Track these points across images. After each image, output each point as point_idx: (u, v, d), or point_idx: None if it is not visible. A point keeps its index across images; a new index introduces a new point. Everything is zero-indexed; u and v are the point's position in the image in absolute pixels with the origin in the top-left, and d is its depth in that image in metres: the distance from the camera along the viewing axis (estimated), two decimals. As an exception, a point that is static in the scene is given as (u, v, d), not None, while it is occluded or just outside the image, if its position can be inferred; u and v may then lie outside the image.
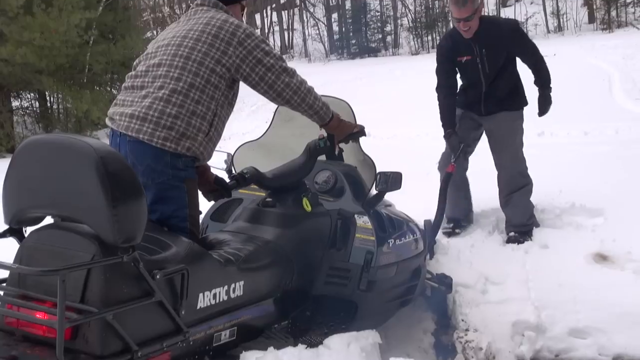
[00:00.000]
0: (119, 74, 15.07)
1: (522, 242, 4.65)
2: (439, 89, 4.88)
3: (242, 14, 3.22)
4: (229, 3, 3.08)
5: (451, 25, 5.44)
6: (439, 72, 4.90)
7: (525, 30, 22.42)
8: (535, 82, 4.97)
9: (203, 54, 2.81)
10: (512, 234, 4.79)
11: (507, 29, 4.92)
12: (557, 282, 4.00)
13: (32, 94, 16.06)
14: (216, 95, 2.83)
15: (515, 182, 4.86)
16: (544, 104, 4.99)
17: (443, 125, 4.83)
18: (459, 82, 4.98)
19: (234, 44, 2.84)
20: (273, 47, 3.08)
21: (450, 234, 4.95)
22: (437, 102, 4.89)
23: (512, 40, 4.83)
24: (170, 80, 2.77)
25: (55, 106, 15.83)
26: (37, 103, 16.30)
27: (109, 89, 15.89)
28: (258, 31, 31.82)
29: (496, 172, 4.94)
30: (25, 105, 16.53)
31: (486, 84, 4.82)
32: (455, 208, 5.06)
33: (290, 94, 2.97)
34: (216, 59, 2.82)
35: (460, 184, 5.02)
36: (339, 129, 3.32)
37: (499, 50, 4.77)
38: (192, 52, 2.81)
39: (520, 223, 4.81)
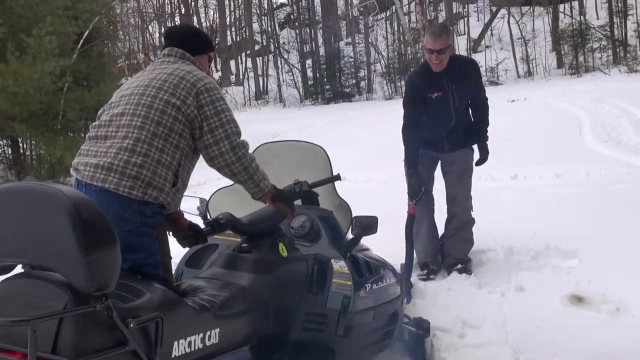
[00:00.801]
0: (93, 119, 14.99)
1: (470, 273, 4.85)
2: (407, 127, 4.90)
3: (209, 65, 3.27)
4: (196, 54, 3.13)
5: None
6: (409, 108, 4.93)
7: (496, 75, 22.90)
8: (475, 127, 5.10)
9: (165, 102, 2.82)
10: (459, 266, 4.96)
11: (471, 66, 5.12)
12: (535, 325, 4.00)
13: (4, 141, 15.90)
14: (181, 144, 2.83)
15: (465, 217, 5.02)
16: (484, 153, 5.10)
17: (407, 165, 4.91)
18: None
19: (193, 93, 2.86)
20: (234, 104, 3.09)
21: (425, 279, 4.97)
22: (403, 141, 4.93)
23: (475, 76, 5.03)
24: (134, 129, 2.77)
25: (28, 152, 15.68)
26: (9, 150, 16.14)
27: (83, 135, 15.80)
28: (233, 77, 32.14)
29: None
30: (-3, 152, 16.36)
31: (455, 120, 4.92)
32: (423, 253, 5.13)
33: (237, 154, 2.92)
34: (177, 107, 2.82)
35: (429, 227, 5.09)
36: (273, 202, 3.24)
37: (467, 85, 4.92)
38: (155, 100, 2.82)
39: (464, 257, 5.02)
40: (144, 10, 36.57)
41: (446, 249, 5.11)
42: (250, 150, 3.08)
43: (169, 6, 37.88)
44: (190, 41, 3.15)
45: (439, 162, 5.18)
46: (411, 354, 3.98)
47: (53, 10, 13.36)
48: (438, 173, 5.23)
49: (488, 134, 5.15)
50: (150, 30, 38.91)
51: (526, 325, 4.02)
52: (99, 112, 3.02)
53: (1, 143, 16.08)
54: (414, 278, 4.84)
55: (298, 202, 3.61)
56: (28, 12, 13.26)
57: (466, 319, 4.17)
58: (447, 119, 4.93)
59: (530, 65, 24.04)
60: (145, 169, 2.71)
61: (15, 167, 15.22)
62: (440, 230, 5.23)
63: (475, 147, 5.11)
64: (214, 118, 2.86)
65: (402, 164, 5.11)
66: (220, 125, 2.87)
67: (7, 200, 2.20)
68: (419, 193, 4.78)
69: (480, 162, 5.10)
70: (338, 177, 3.65)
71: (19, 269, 2.32)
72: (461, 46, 25.89)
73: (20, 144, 15.49)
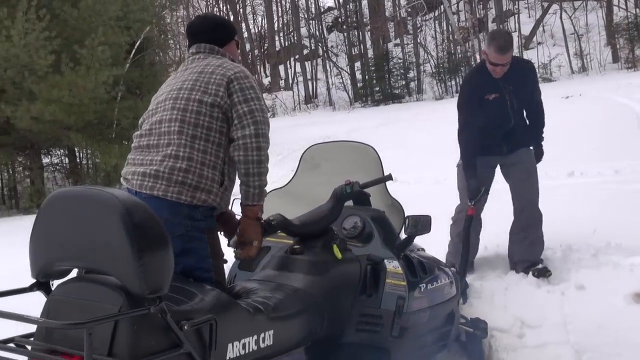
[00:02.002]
0: (144, 128, 15.27)
1: (550, 275, 4.66)
2: (464, 130, 4.80)
3: (238, 50, 3.24)
4: (224, 44, 3.10)
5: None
6: (465, 110, 4.84)
7: (549, 72, 22.48)
8: (530, 128, 4.99)
9: (198, 102, 2.80)
10: (539, 266, 4.75)
11: (527, 66, 5.02)
12: (597, 324, 3.88)
13: (61, 150, 16.30)
14: (223, 141, 2.81)
15: (532, 215, 4.85)
16: (540, 154, 5.02)
17: (465, 167, 4.78)
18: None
19: (224, 83, 2.83)
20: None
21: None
22: (459, 146, 4.83)
23: (531, 78, 4.92)
24: (173, 134, 2.77)
25: (84, 161, 16.06)
26: (66, 159, 16.53)
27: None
28: (282, 82, 32.29)
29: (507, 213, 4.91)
30: (55, 162, 16.77)
31: (514, 121, 4.81)
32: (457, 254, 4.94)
33: (259, 142, 2.78)
34: (210, 104, 2.80)
35: (475, 227, 4.96)
36: (253, 221, 2.87)
37: (524, 87, 4.80)
38: (189, 102, 2.81)
39: (535, 260, 4.80)
40: (186, 30, 37.10)
41: (515, 255, 4.93)
42: (300, 152, 3.06)
43: (218, 13, 38.38)
44: (215, 34, 3.10)
45: (497, 168, 5.04)
46: (469, 355, 3.92)
47: (105, 21, 13.67)
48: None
49: (543, 134, 5.04)
50: (200, 39, 39.36)
51: (587, 324, 3.91)
52: (140, 121, 3.03)
53: (59, 153, 16.49)
54: (477, 281, 4.75)
55: (350, 202, 3.58)
56: (81, 24, 13.59)
57: (525, 319, 4.07)
58: (505, 121, 4.83)
59: (585, 61, 23.51)
60: (191, 173, 2.71)
61: (72, 175, 15.60)
62: (499, 232, 5.07)
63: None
64: (242, 105, 2.80)
65: (455, 165, 5.02)
66: (249, 112, 2.79)
67: (61, 205, 2.23)
68: (479, 194, 4.68)
69: (535, 163, 5.00)
70: (390, 177, 3.60)
71: (75, 273, 2.35)
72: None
73: (77, 153, 15.86)
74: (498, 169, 5.06)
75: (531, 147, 5.00)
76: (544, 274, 4.69)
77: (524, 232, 4.88)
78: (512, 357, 3.81)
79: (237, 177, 2.90)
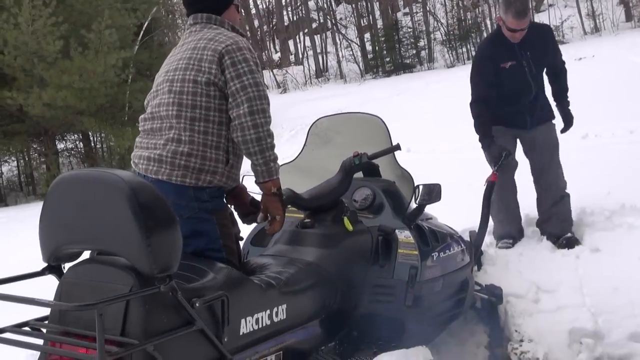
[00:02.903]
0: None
1: (573, 245, 4.52)
2: (477, 102, 4.67)
3: (239, 13, 3.09)
4: (222, 11, 2.96)
5: (484, 35, 5.29)
6: (477, 82, 4.71)
7: (561, 34, 22.19)
8: (555, 93, 4.86)
9: (193, 82, 2.74)
10: (568, 234, 4.66)
11: (544, 30, 4.87)
12: (612, 286, 3.87)
13: (75, 135, 16.41)
14: (223, 119, 2.75)
15: (558, 193, 4.74)
16: (568, 118, 4.85)
17: (481, 137, 4.67)
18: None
19: (216, 59, 2.73)
20: (272, 80, 2.82)
21: (509, 248, 4.78)
22: (472, 117, 4.71)
23: (549, 41, 4.76)
24: (172, 118, 2.74)
25: (98, 145, 16.15)
26: (81, 144, 16.64)
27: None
28: (292, 57, 32.15)
29: (530, 181, 4.82)
30: (70, 147, 16.89)
31: (535, 88, 4.67)
32: (508, 221, 4.90)
33: (254, 120, 2.69)
34: (205, 82, 2.73)
35: (513, 195, 4.87)
36: (270, 197, 2.83)
37: (542, 51, 4.65)
38: (184, 84, 2.76)
39: (565, 233, 4.69)
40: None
41: (545, 230, 4.82)
42: (308, 125, 3.01)
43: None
44: (211, 1, 2.94)
45: (518, 140, 4.90)
46: (485, 322, 3.92)
47: (111, 4, 13.67)
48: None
49: (569, 98, 4.90)
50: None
51: (603, 287, 3.89)
52: (145, 103, 3.00)
53: (73, 138, 16.58)
54: (491, 248, 4.73)
55: (359, 174, 3.57)
56: (87, 8, 13.60)
57: (540, 284, 4.06)
58: (525, 88, 4.67)
59: (597, 21, 23.14)
60: (193, 157, 2.69)
61: (87, 159, 15.70)
62: (528, 204, 4.97)
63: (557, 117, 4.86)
64: (235, 81, 2.70)
65: (468, 133, 4.93)
66: (241, 88, 2.69)
67: (68, 188, 2.24)
68: (500, 159, 4.53)
69: (565, 129, 4.86)
70: (398, 147, 3.58)
71: (86, 255, 2.37)
72: (523, 7, 25.07)
73: (91, 137, 15.94)
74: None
75: (554, 122, 4.85)
76: (572, 244, 4.59)
77: (549, 211, 4.79)
78: (528, 322, 3.79)
79: None
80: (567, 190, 4.81)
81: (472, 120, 4.72)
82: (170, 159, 2.69)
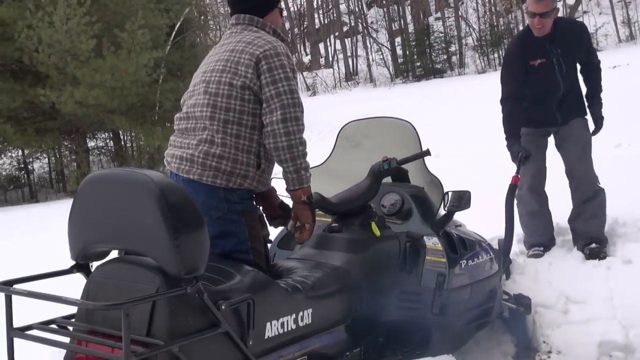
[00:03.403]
0: (188, 110, 15.44)
1: (604, 257, 4.43)
2: (507, 99, 4.59)
3: (282, 16, 3.08)
4: (265, 13, 2.95)
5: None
6: (507, 80, 4.64)
7: (595, 41, 21.92)
8: (588, 94, 4.75)
9: (229, 85, 2.74)
10: (592, 245, 4.53)
11: (577, 28, 4.77)
12: (645, 299, 3.79)
13: (106, 134, 16.59)
14: (257, 124, 2.74)
15: (590, 189, 4.65)
16: (599, 120, 4.74)
17: (507, 136, 4.58)
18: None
19: (253, 64, 2.72)
20: (302, 83, 2.77)
21: (539, 256, 4.69)
22: (501, 113, 4.62)
23: (583, 40, 4.67)
24: (206, 120, 2.74)
25: (128, 144, 16.30)
26: (111, 142, 16.83)
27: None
28: (322, 60, 32.20)
29: (566, 186, 4.73)
30: (101, 145, 17.08)
31: (564, 88, 4.59)
32: (539, 230, 4.82)
33: (287, 127, 2.68)
34: (240, 86, 2.72)
35: (542, 202, 4.79)
36: (300, 205, 2.83)
37: (574, 50, 4.57)
38: (219, 86, 2.75)
39: (597, 236, 4.59)
40: (232, -1, 37.06)
41: (577, 228, 4.71)
42: (337, 128, 2.99)
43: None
44: (255, 2, 2.93)
45: (549, 139, 4.81)
46: (512, 331, 3.87)
47: (145, 4, 13.79)
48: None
49: (602, 100, 4.78)
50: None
51: (635, 299, 3.81)
52: (181, 101, 3.01)
53: (103, 136, 16.77)
54: (520, 256, 4.67)
55: (388, 179, 3.54)
56: (121, 8, 13.74)
57: (570, 295, 4.00)
58: (554, 87, 4.58)
59: (633, 29, 22.83)
60: (225, 159, 2.69)
61: (117, 158, 15.85)
62: (558, 213, 4.88)
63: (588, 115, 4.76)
64: (270, 87, 2.69)
65: (498, 139, 4.87)
66: (276, 95, 2.68)
67: (97, 188, 2.25)
68: (518, 160, 4.45)
69: (596, 131, 4.76)
70: (428, 152, 3.55)
71: (114, 254, 2.37)
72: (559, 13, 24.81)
73: (121, 136, 16.09)
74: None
75: (586, 117, 4.76)
76: (596, 255, 4.48)
77: (581, 206, 4.69)
78: (557, 333, 3.74)
79: None
80: (600, 185, 4.71)
81: (502, 126, 4.66)
82: (202, 160, 2.70)
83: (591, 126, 4.76)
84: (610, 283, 4.07)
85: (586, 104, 4.78)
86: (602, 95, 4.81)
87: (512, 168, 4.73)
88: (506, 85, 4.65)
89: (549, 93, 4.62)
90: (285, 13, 3.82)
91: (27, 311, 2.33)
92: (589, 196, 4.65)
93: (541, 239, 4.78)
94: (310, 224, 2.85)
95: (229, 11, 3.07)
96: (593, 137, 4.76)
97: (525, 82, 4.59)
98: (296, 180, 2.76)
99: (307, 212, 2.83)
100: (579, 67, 4.77)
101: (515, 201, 4.54)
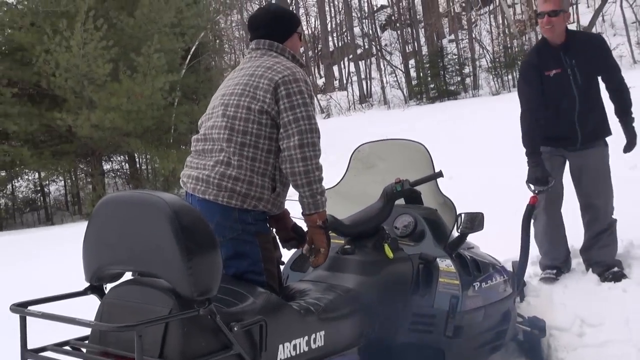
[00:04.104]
0: (203, 132, 15.52)
1: (620, 280, 4.39)
2: (526, 111, 4.50)
3: (301, 41, 3.14)
4: (284, 39, 3.01)
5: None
6: (524, 91, 4.58)
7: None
8: (617, 111, 4.63)
9: (247, 109, 2.78)
10: (615, 269, 4.49)
11: (596, 41, 4.71)
12: (660, 322, 3.75)
13: (121, 157, 16.69)
14: (273, 147, 2.79)
15: (606, 221, 4.60)
16: (632, 137, 4.62)
17: (529, 154, 4.46)
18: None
19: (271, 89, 2.77)
20: (316, 105, 2.83)
21: (552, 280, 4.64)
22: (520, 130, 4.52)
23: (602, 53, 4.58)
24: (223, 142, 2.78)
25: (144, 167, 16.39)
26: (126, 165, 16.92)
27: (194, 147, 16.34)
28: (336, 82, 32.34)
29: (577, 210, 4.68)
30: (116, 168, 17.18)
31: (580, 100, 4.48)
32: (553, 252, 4.76)
33: (304, 152, 2.72)
34: (258, 110, 2.77)
35: (558, 225, 4.73)
36: (316, 229, 2.87)
37: (591, 61, 4.49)
38: (237, 109, 2.80)
39: (612, 263, 4.55)
40: (247, 23, 37.42)
41: (591, 258, 4.66)
42: (351, 150, 3.01)
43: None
44: (275, 28, 3.01)
45: (567, 162, 4.70)
46: (527, 354, 3.84)
47: (160, 28, 13.91)
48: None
49: (633, 115, 4.64)
50: (255, 42, 39.73)
51: (651, 322, 3.77)
52: (199, 123, 3.05)
53: (119, 159, 16.87)
54: (534, 279, 4.64)
55: (401, 201, 3.55)
56: (137, 32, 13.88)
57: (585, 317, 3.96)
58: (571, 99, 4.48)
59: (647, 50, 22.79)
60: (240, 181, 2.72)
61: (132, 181, 15.94)
62: (574, 234, 4.82)
63: (609, 140, 4.66)
64: (288, 112, 2.74)
65: (512, 161, 4.83)
66: (294, 120, 2.73)
67: (112, 209, 2.27)
68: (547, 184, 4.38)
69: (628, 147, 4.63)
70: (440, 174, 3.55)
71: (128, 276, 2.39)
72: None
73: (137, 159, 16.19)
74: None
75: (607, 142, 4.64)
76: (619, 278, 4.43)
77: (595, 238, 4.63)
78: (573, 356, 3.71)
79: None
80: (614, 216, 4.66)
81: (516, 148, 4.63)
82: (217, 181, 2.73)
83: (616, 142, 4.66)
84: (626, 306, 4.03)
85: (617, 122, 4.66)
86: (634, 110, 4.65)
87: (525, 191, 4.71)
88: (524, 96, 4.58)
89: (565, 105, 4.52)
90: (301, 36, 3.87)
91: (41, 333, 2.35)
92: (604, 228, 4.61)
93: (555, 261, 4.74)
94: (325, 248, 2.88)
95: (249, 36, 3.13)
96: (610, 156, 4.66)
97: (542, 94, 4.51)
98: (312, 205, 2.79)
99: (322, 236, 2.87)
100: (602, 85, 4.65)
101: (532, 221, 4.50)
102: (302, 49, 3.11)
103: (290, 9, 34.67)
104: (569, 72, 4.47)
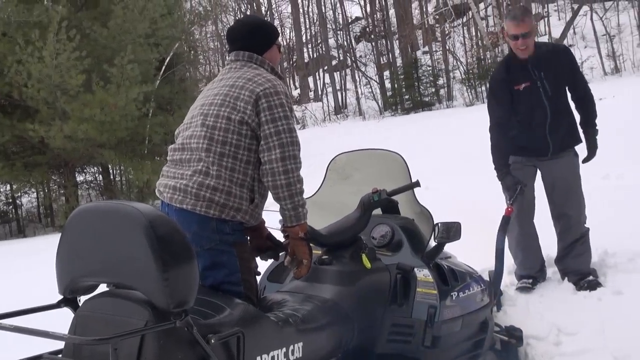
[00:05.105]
0: (178, 143, 15.45)
1: (595, 288, 4.42)
2: (495, 126, 4.58)
3: (280, 53, 3.14)
4: (263, 51, 3.01)
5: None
6: (493, 106, 4.65)
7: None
8: (581, 121, 4.72)
9: (227, 119, 2.77)
10: (590, 278, 4.53)
11: (560, 50, 4.78)
12: (637, 330, 3.77)
13: (95, 168, 16.53)
14: (252, 158, 2.78)
15: (578, 231, 4.65)
16: (592, 148, 4.71)
17: (497, 167, 4.58)
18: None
19: (252, 101, 2.76)
20: (294, 116, 2.82)
21: (528, 289, 4.67)
22: (490, 143, 4.61)
23: (567, 63, 4.66)
24: (201, 152, 2.76)
25: (117, 178, 16.25)
26: (100, 176, 16.76)
27: (168, 159, 16.24)
28: (311, 93, 32.38)
29: (550, 220, 4.73)
30: (89, 179, 17.00)
31: (551, 111, 4.54)
32: (528, 262, 4.80)
33: (285, 165, 2.73)
34: (238, 121, 2.76)
35: (532, 235, 4.77)
36: (298, 241, 2.88)
37: (558, 71, 4.55)
38: (217, 119, 2.78)
39: (587, 271, 4.59)
40: (222, 34, 37.38)
41: (566, 267, 4.70)
42: (327, 161, 3.01)
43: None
44: (254, 40, 3.00)
45: (538, 171, 4.76)
46: (504, 364, 3.84)
47: (134, 39, 13.83)
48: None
49: (597, 127, 4.72)
50: (229, 53, 39.75)
51: (627, 330, 3.79)
52: (175, 133, 3.03)
53: (92, 170, 16.71)
54: (511, 288, 4.66)
55: (378, 211, 3.54)
56: (111, 43, 13.78)
57: (561, 326, 3.98)
58: (541, 111, 4.55)
59: (617, 62, 23.14)
60: (219, 191, 2.70)
61: (106, 192, 15.78)
62: (549, 244, 4.86)
63: (579, 149, 4.74)
64: (270, 125, 2.74)
65: (487, 170, 4.87)
66: (275, 133, 2.73)
67: (86, 220, 2.24)
68: (515, 192, 4.44)
69: (587, 159, 4.72)
70: (417, 184, 3.56)
71: (102, 288, 2.35)
72: (542, 47, 25.07)
73: (110, 170, 16.04)
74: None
75: (577, 152, 4.72)
76: (594, 287, 4.46)
77: (569, 247, 4.68)
78: (549, 365, 3.72)
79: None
80: (586, 225, 4.71)
81: (491, 158, 4.66)
82: (195, 191, 2.70)
83: (582, 154, 4.75)
84: (601, 314, 4.06)
85: (581, 132, 4.74)
86: (598, 121, 4.74)
87: (501, 199, 4.74)
88: (493, 111, 4.66)
89: (536, 118, 4.58)
90: (280, 47, 3.86)
91: (13, 347, 2.29)
92: (577, 238, 4.65)
93: (530, 271, 4.77)
94: (308, 260, 2.89)
95: (227, 48, 3.12)
96: (582, 166, 4.74)
97: (511, 108, 4.59)
98: (294, 217, 2.80)
99: (304, 247, 2.87)
100: (569, 94, 4.74)
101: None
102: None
103: (265, 20, 34.81)
104: (538, 85, 4.54)
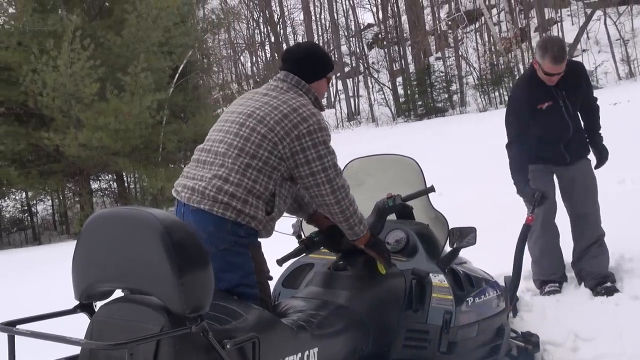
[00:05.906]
0: (191, 150, 15.46)
1: (612, 294, 4.39)
2: (514, 143, 4.58)
3: (328, 85, 3.16)
4: (312, 80, 3.01)
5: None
6: (513, 124, 4.63)
7: (595, 79, 22.08)
8: (588, 131, 4.79)
9: (262, 136, 2.77)
10: (608, 284, 4.51)
11: (578, 68, 4.80)
12: (654, 335, 3.74)
13: (109, 176, 16.62)
14: (274, 175, 2.79)
15: (595, 233, 4.64)
16: (602, 154, 4.77)
17: (516, 182, 4.54)
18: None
19: (293, 136, 2.77)
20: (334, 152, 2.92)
21: (556, 292, 4.66)
22: (508, 159, 4.60)
23: (584, 81, 4.73)
24: (229, 158, 2.77)
25: (132, 185, 16.33)
26: (114, 184, 16.85)
27: (182, 166, 16.30)
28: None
29: (567, 225, 4.72)
30: (104, 187, 17.11)
31: (573, 128, 4.62)
32: (552, 267, 4.78)
33: (336, 197, 2.87)
34: (273, 143, 2.77)
35: (554, 240, 4.77)
36: (366, 249, 3.08)
37: (577, 90, 4.61)
38: (252, 133, 2.78)
39: (604, 273, 4.57)
40: (235, 42, 37.54)
41: (582, 270, 4.71)
42: (342, 166, 3.01)
43: (259, 35, 38.67)
44: (306, 67, 3.01)
45: (555, 176, 4.80)
46: (521, 370, 3.81)
47: (148, 47, 13.91)
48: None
49: (602, 135, 4.81)
50: (242, 61, 39.94)
51: (644, 336, 3.76)
52: (209, 134, 3.02)
53: (107, 178, 16.80)
54: (527, 294, 4.63)
55: (393, 216, 3.53)
56: (124, 52, 13.87)
57: (578, 332, 3.95)
58: (564, 129, 4.61)
59: (632, 66, 23.01)
60: (236, 198, 2.71)
61: (120, 199, 15.86)
62: (565, 250, 4.86)
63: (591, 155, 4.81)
64: (316, 162, 2.79)
65: (501, 177, 4.87)
66: (322, 170, 2.80)
67: (101, 226, 2.24)
68: (534, 200, 4.40)
69: (599, 164, 4.76)
70: (432, 189, 3.54)
71: (118, 293, 2.35)
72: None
73: (125, 178, 16.12)
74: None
75: (590, 158, 4.79)
76: (611, 292, 4.45)
77: (584, 250, 4.68)
78: (567, 371, 3.69)
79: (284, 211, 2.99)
80: (602, 229, 4.72)
81: (505, 163, 4.65)
82: (213, 194, 2.71)
83: (594, 162, 4.77)
84: (619, 319, 4.03)
85: (587, 139, 4.78)
86: (602, 131, 4.84)
87: (517, 204, 4.72)
88: (512, 128, 4.64)
89: (558, 134, 4.64)
90: (330, 81, 3.86)
91: (30, 352, 2.30)
92: (593, 240, 4.64)
93: (554, 276, 4.75)
94: (381, 259, 3.10)
95: (279, 64, 3.15)
96: (597, 171, 4.75)
97: (531, 125, 4.59)
98: (352, 235, 2.99)
99: (371, 251, 3.08)
100: None
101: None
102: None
103: (278, 28, 34.77)
104: (560, 104, 4.57)
